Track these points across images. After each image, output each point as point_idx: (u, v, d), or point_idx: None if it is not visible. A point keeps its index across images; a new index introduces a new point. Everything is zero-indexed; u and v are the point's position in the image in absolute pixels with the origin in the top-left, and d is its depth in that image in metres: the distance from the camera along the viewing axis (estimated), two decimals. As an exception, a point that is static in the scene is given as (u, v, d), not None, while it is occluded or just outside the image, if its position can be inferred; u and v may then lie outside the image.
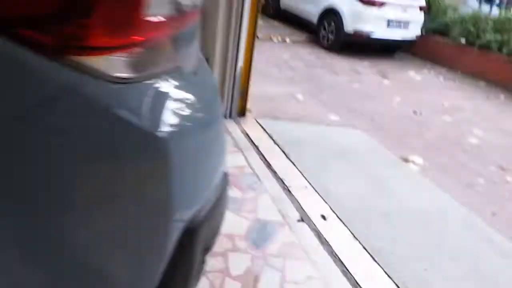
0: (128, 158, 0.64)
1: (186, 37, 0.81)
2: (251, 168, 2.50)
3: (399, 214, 2.26)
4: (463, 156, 3.42)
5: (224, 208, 1.03)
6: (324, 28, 6.86)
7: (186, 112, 0.74)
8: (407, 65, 6.55)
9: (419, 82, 5.69)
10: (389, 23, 6.33)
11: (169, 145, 0.66)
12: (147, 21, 0.64)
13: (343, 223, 2.06)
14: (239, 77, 3.03)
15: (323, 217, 2.08)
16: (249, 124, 3.15)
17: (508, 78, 5.83)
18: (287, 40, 7.14)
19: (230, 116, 3.15)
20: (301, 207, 2.14)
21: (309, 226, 2.01)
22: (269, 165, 2.54)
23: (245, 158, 2.61)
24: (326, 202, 2.22)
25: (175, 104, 0.72)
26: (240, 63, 2.99)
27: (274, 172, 2.47)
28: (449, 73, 6.43)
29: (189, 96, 0.77)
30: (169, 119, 0.68)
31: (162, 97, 0.70)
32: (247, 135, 2.93)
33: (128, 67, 0.63)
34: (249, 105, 3.31)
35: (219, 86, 3.05)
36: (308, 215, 2.08)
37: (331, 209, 2.17)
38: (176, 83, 0.74)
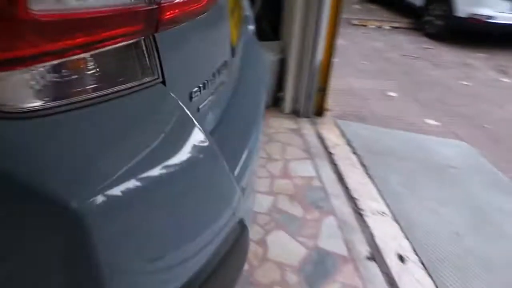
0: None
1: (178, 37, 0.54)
2: (320, 181, 2.16)
3: (509, 266, 1.72)
4: None
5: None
6: (430, 13, 5.96)
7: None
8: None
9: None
10: (514, 5, 5.21)
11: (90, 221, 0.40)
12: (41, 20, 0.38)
13: (426, 269, 1.62)
14: (317, 70, 2.66)
15: (401, 257, 1.67)
16: (327, 126, 2.78)
17: None
18: (386, 26, 6.41)
19: (306, 116, 2.82)
20: (374, 240, 1.75)
21: (380, 267, 1.62)
22: (341, 179, 2.17)
23: (315, 167, 2.28)
24: (407, 237, 1.79)
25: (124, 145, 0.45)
26: (320, 54, 2.61)
27: (346, 189, 2.10)
28: None
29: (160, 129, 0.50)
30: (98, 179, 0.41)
31: (99, 136, 0.44)
32: (321, 140, 2.58)
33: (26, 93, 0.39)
34: (329, 103, 2.93)
35: (294, 79, 2.73)
36: (381, 251, 1.69)
37: (413, 247, 1.73)
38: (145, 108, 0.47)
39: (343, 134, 2.68)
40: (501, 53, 5.46)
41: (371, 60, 4.55)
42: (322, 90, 2.76)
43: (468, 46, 5.60)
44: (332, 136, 2.63)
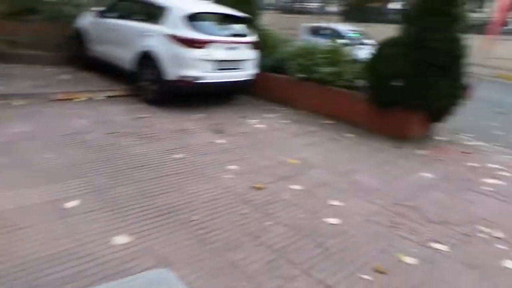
0: None
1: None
2: None
3: None
4: (326, 263, 2.29)
5: None
6: (143, 78, 5.48)
7: None
8: (248, 111, 5.60)
9: (262, 132, 4.70)
10: (218, 64, 5.30)
11: None
12: None
13: None
14: None
15: None
16: None
17: (350, 111, 5.34)
18: (100, 97, 5.51)
19: None
20: None
21: None
22: None
23: None
24: None
25: None
26: None
27: None
28: (293, 113, 5.70)
29: None
30: None
31: None
32: None
33: None
34: None
35: None
36: None
37: None
38: None
39: None
40: (217, 110, 5.45)
41: (61, 149, 3.43)
42: None
43: (188, 107, 5.36)
44: None
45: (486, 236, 2.72)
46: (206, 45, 5.14)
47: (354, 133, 4.92)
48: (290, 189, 3.18)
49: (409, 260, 2.36)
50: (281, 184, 3.25)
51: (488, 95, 8.67)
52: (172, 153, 3.66)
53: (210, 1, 6.88)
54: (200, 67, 5.14)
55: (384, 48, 5.11)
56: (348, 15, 24.05)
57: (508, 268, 2.36)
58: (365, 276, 2.18)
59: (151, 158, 3.50)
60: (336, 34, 10.69)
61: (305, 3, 33.55)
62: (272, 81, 6.37)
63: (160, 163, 3.43)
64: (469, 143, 5.09)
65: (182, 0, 5.90)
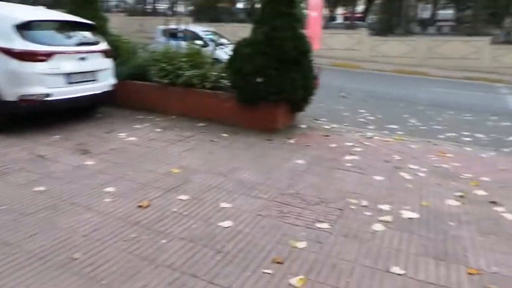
0: None
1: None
2: None
3: None
4: (229, 268, 2.30)
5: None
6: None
7: None
8: (115, 124, 5.19)
9: (136, 145, 4.42)
10: (68, 78, 4.73)
11: None
12: None
13: None
14: None
15: None
16: None
17: (220, 111, 5.47)
18: None
19: None
20: None
21: None
22: None
23: None
24: None
25: None
26: None
27: None
28: (165, 120, 5.52)
29: None
30: None
31: None
32: None
33: None
34: None
35: None
36: None
37: None
38: None
39: None
40: (79, 128, 4.90)
41: None
42: None
43: (41, 129, 4.66)
44: None
45: (355, 207, 3.14)
46: (50, 57, 4.54)
47: (229, 132, 5.06)
48: (179, 200, 3.09)
49: (300, 244, 2.56)
50: (168, 197, 3.12)
51: (331, 83, 9.99)
52: (31, 186, 3.14)
53: (49, 9, 6.10)
54: (46, 82, 4.52)
55: (242, 48, 5.36)
56: (198, 16, 24.45)
57: (377, 231, 2.79)
58: (267, 271, 2.27)
59: (5, 197, 2.93)
60: (194, 36, 10.74)
61: (154, 4, 32.68)
62: (136, 90, 6.04)
63: (17, 201, 2.89)
64: (326, 126, 5.79)
65: (12, 7, 5.08)
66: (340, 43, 19.35)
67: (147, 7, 31.52)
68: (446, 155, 4.72)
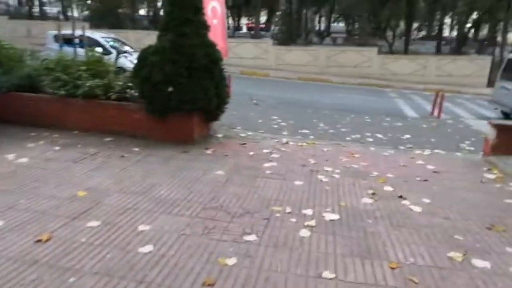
0: None
1: None
2: None
3: None
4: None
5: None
6: None
7: None
8: (1, 144, 4.43)
9: (30, 167, 3.81)
10: None
11: None
12: None
13: None
14: None
15: None
16: None
17: (130, 124, 5.06)
18: None
19: None
20: None
21: None
22: None
23: None
24: None
25: None
26: None
27: None
28: (66, 136, 4.90)
29: None
30: None
31: None
32: None
33: None
34: None
35: None
36: None
37: None
38: None
39: None
40: (-49, 151, 4.05)
41: None
42: None
43: None
44: None
45: (280, 215, 3.12)
46: None
47: (141, 146, 4.69)
48: (88, 227, 2.70)
49: (230, 261, 2.42)
50: (74, 226, 2.71)
51: (242, 90, 10.12)
52: None
53: None
54: None
55: (148, 56, 5.05)
56: (95, 21, 22.87)
57: (304, 237, 2.79)
58: (198, 296, 2.08)
59: None
60: (93, 43, 9.90)
61: (42, 7, 29.57)
62: (27, 103, 5.27)
63: None
64: (242, 134, 5.76)
65: None
66: (247, 52, 19.83)
67: (34, 10, 28.37)
68: (354, 155, 5.04)
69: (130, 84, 5.20)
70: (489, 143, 5.38)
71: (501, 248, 2.78)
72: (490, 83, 16.92)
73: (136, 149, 4.60)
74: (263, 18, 36.43)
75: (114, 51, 9.79)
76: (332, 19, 38.87)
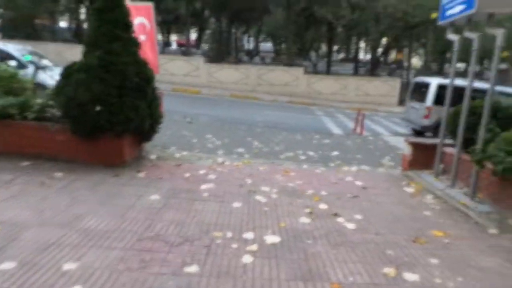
0: None
1: None
2: None
3: None
4: None
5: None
6: None
7: None
8: None
9: None
10: None
11: None
12: None
13: None
14: None
15: None
16: None
17: (51, 146, 4.61)
18: None
19: None
20: None
21: None
22: None
23: None
24: None
25: None
26: None
27: None
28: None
29: None
30: None
31: None
32: None
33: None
34: None
35: None
36: None
37: None
38: None
39: None
40: None
41: None
42: None
43: None
44: None
45: (221, 241, 3.03)
46: None
47: (65, 171, 4.28)
48: (0, 271, 2.34)
49: (171, 296, 2.27)
50: (-17, 270, 2.34)
51: (174, 108, 9.87)
52: None
53: None
54: None
55: (74, 73, 4.69)
56: (7, 32, 20.88)
57: (247, 263, 2.73)
58: None
59: None
60: (4, 56, 8.94)
61: None
62: None
63: None
64: (177, 155, 5.58)
65: None
66: (178, 68, 19.55)
67: None
68: (290, 174, 5.16)
69: (51, 102, 4.76)
70: (406, 159, 5.90)
71: (426, 260, 3.00)
72: (401, 102, 18.88)
73: (60, 174, 4.19)
74: (193, 35, 36.42)
75: (31, 66, 8.93)
76: (260, 39, 40.27)
